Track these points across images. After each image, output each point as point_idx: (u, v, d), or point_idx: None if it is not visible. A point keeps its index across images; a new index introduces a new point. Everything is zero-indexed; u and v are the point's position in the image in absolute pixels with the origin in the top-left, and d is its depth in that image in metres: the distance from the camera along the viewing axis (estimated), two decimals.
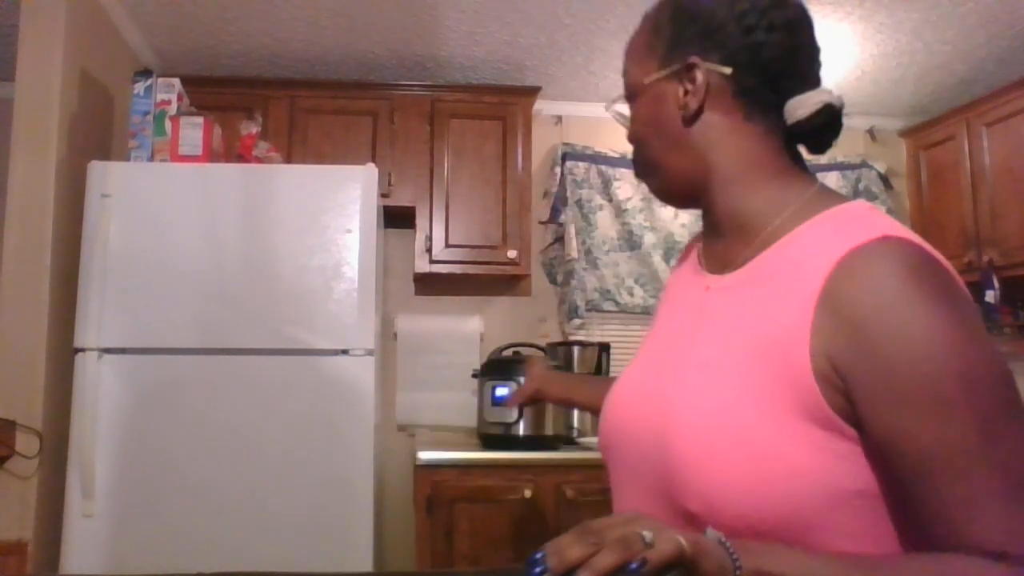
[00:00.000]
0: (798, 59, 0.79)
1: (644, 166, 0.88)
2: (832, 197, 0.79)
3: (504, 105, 2.96)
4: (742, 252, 0.81)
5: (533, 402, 1.43)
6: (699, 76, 0.79)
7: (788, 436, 0.69)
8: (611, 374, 3.01)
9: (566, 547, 0.59)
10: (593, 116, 3.33)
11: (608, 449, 0.92)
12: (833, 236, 0.72)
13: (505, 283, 3.14)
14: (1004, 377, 0.66)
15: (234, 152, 2.43)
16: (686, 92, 0.80)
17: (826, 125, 0.80)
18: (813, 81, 0.81)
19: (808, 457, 0.68)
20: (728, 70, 0.78)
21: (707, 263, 0.87)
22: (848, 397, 0.67)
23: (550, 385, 1.39)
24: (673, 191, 0.86)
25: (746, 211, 0.80)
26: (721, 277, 0.83)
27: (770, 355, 0.71)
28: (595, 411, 1.18)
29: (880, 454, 0.67)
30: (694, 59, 0.79)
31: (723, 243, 0.84)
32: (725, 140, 0.80)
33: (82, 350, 2.05)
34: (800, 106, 0.78)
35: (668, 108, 0.82)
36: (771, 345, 0.72)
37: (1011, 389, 0.66)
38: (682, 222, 3.23)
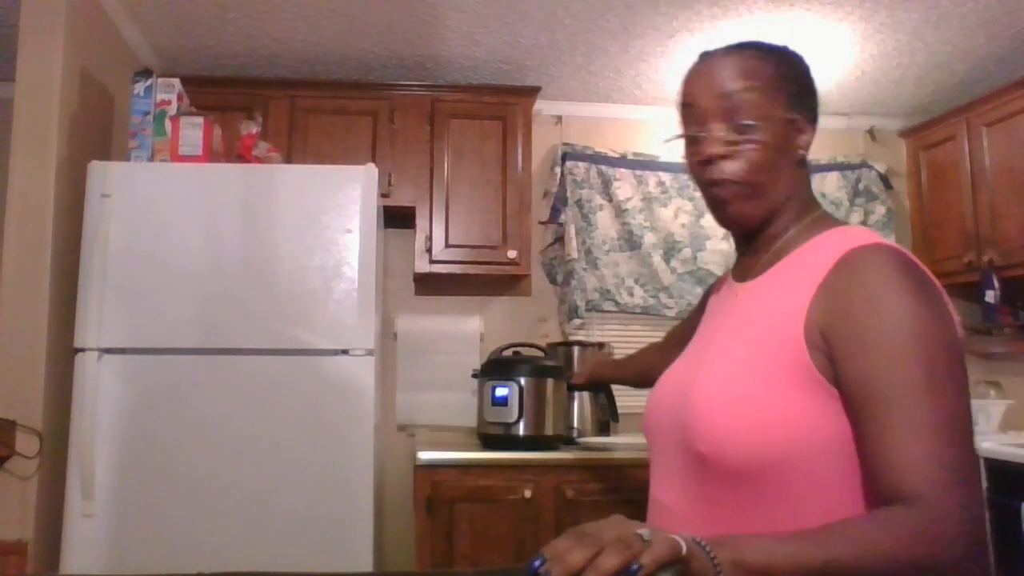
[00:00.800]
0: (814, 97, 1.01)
1: (751, 187, 0.96)
2: (833, 219, 0.99)
3: (504, 105, 2.96)
4: (765, 261, 0.99)
5: (591, 385, 1.82)
6: (808, 130, 0.98)
7: (783, 393, 0.84)
8: None
9: (566, 552, 0.63)
10: (593, 116, 3.33)
11: (648, 429, 1.06)
12: (837, 244, 0.89)
13: (505, 283, 3.14)
14: (956, 352, 0.80)
15: (234, 152, 2.43)
16: (801, 140, 0.98)
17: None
18: None
19: (798, 410, 0.83)
20: (812, 127, 0.99)
21: (737, 275, 1.05)
22: (830, 358, 0.83)
23: (603, 368, 1.75)
24: (761, 215, 0.98)
25: (785, 233, 0.98)
26: (746, 284, 1.01)
27: (775, 332, 0.88)
28: (646, 386, 1.36)
29: (848, 402, 0.82)
30: (799, 116, 0.97)
31: (755, 257, 1.01)
32: (798, 181, 0.99)
33: (82, 350, 2.05)
34: (809, 143, 0.99)
35: (787, 149, 0.97)
36: (777, 324, 0.88)
37: (960, 365, 0.80)
38: (682, 222, 3.23)
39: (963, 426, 0.77)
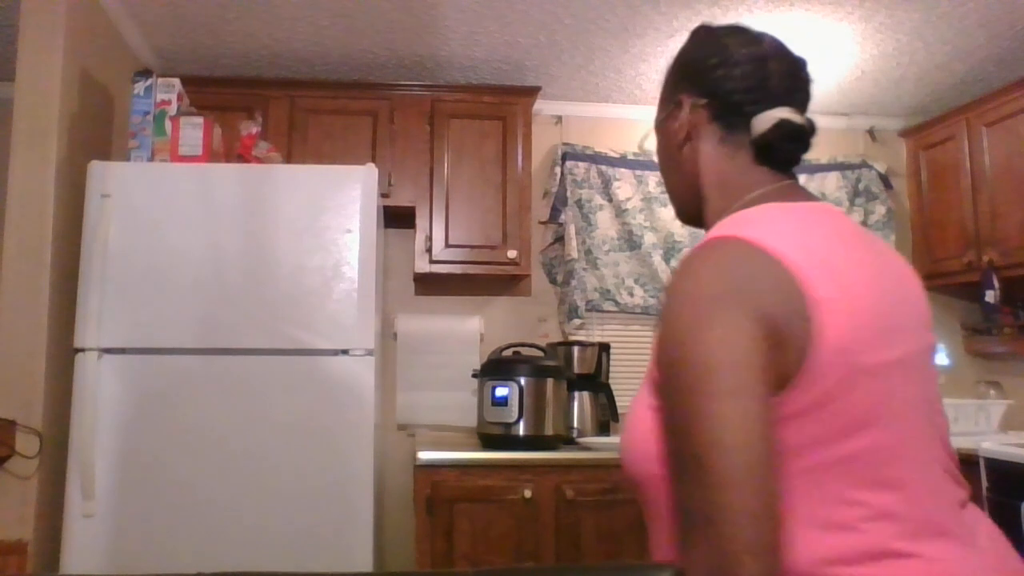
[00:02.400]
0: (768, 86, 0.91)
1: (668, 191, 1.03)
2: (755, 204, 0.88)
3: (504, 105, 2.96)
4: None
5: None
6: (685, 108, 0.94)
7: (642, 410, 0.82)
8: (611, 374, 3.01)
9: None
10: (593, 116, 3.33)
11: None
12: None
13: (505, 283, 3.14)
14: (717, 371, 0.75)
15: (234, 152, 2.43)
16: (677, 123, 0.95)
17: (790, 139, 0.90)
18: (786, 100, 0.91)
19: (650, 424, 0.79)
20: (703, 100, 0.93)
21: None
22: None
23: None
24: (683, 212, 1.00)
25: (715, 223, 0.90)
26: None
27: None
28: None
29: None
30: (681, 96, 0.95)
31: None
32: (706, 163, 0.94)
33: (82, 350, 2.05)
34: (760, 123, 0.90)
35: (669, 140, 0.97)
36: None
37: (720, 376, 0.74)
38: None
39: (695, 454, 0.71)
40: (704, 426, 0.71)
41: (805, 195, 0.91)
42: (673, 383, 0.75)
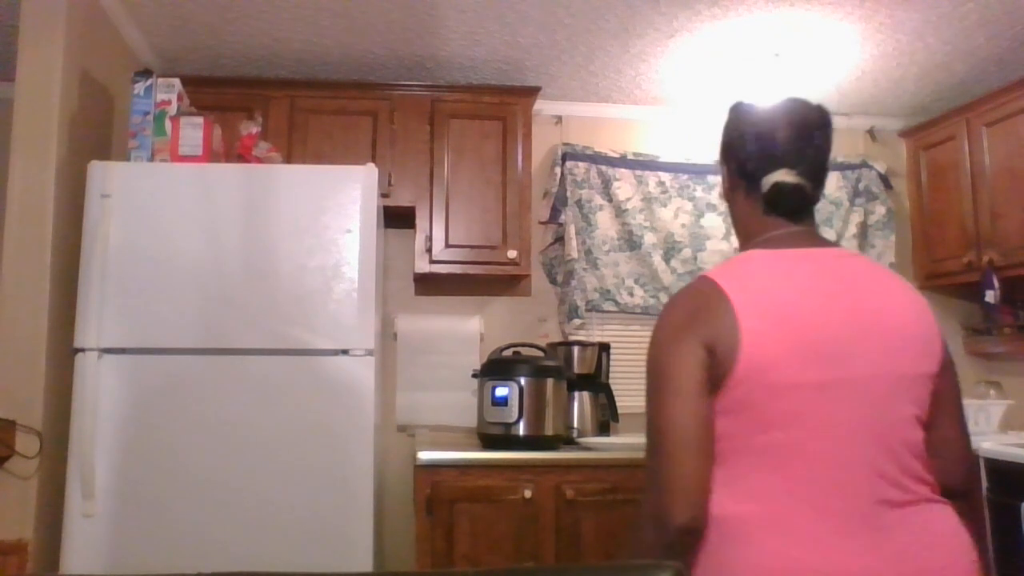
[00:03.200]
0: (774, 153, 1.17)
1: None
2: (758, 247, 1.17)
3: (504, 105, 2.96)
4: None
5: None
6: (724, 171, 1.28)
7: None
8: (611, 374, 3.01)
9: None
10: (593, 116, 3.33)
11: None
12: None
13: (505, 283, 3.14)
14: (663, 367, 1.10)
15: (234, 152, 2.43)
16: (723, 181, 1.29)
17: (786, 196, 1.17)
18: (791, 162, 1.17)
19: None
20: (732, 166, 1.25)
21: None
22: None
23: None
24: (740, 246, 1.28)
25: None
26: None
27: None
28: None
29: None
30: (722, 163, 1.28)
31: None
32: (737, 212, 1.26)
33: (82, 350, 2.05)
34: (763, 185, 1.18)
35: (723, 193, 1.31)
36: None
37: (662, 375, 1.09)
38: (682, 222, 3.23)
39: (653, 434, 1.07)
40: (659, 416, 1.06)
41: (804, 241, 1.16)
42: (647, 386, 1.11)
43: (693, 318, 1.07)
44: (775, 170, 1.16)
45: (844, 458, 1.02)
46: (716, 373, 1.05)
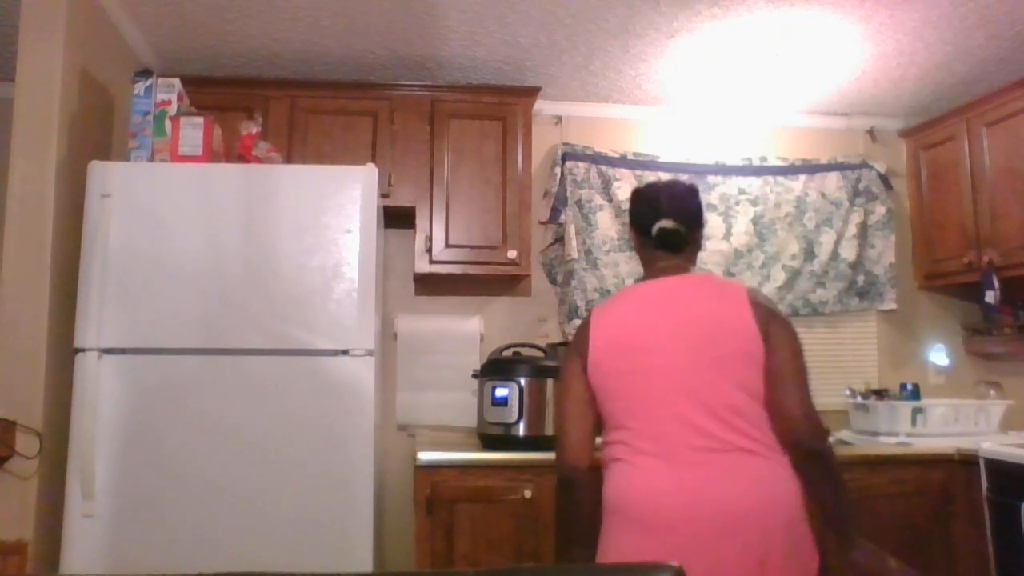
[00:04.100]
0: (659, 209, 1.68)
1: None
2: (637, 282, 1.72)
3: (504, 105, 2.96)
4: None
5: None
6: (631, 231, 1.78)
7: None
8: None
9: None
10: (593, 116, 3.33)
11: None
12: None
13: (505, 283, 3.14)
14: (564, 373, 1.69)
15: (234, 152, 2.43)
16: (630, 233, 1.80)
17: (668, 236, 1.66)
18: (672, 217, 1.66)
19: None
20: (634, 224, 1.75)
21: None
22: None
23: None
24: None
25: None
26: None
27: None
28: None
29: None
30: (631, 223, 1.77)
31: None
32: (640, 255, 1.77)
33: (82, 350, 2.05)
34: (652, 231, 1.67)
35: (632, 240, 1.81)
36: None
37: (564, 379, 1.69)
38: None
39: (558, 414, 1.75)
40: (557, 403, 1.93)
41: (672, 271, 1.65)
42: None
43: (575, 339, 1.69)
44: (660, 219, 1.65)
45: (660, 417, 1.51)
46: (584, 369, 1.62)
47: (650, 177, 3.26)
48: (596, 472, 1.60)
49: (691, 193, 1.70)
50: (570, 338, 3.15)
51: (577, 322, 3.11)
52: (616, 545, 1.51)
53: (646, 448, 1.50)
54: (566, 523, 1.61)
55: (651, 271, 1.68)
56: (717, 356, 1.49)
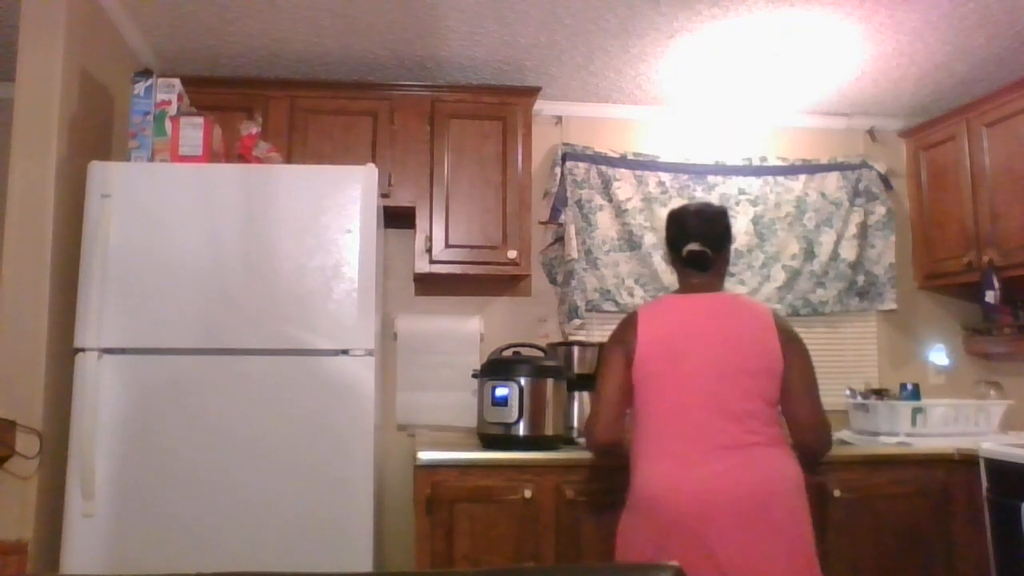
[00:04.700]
0: (688, 232, 1.90)
1: None
2: (671, 294, 1.95)
3: (504, 105, 2.96)
4: None
5: None
6: (666, 250, 2.03)
7: None
8: None
9: None
10: (593, 116, 3.33)
11: None
12: None
13: (505, 283, 3.14)
14: (606, 356, 1.94)
15: (234, 152, 2.43)
16: (664, 252, 2.29)
17: (696, 258, 1.88)
18: (700, 239, 1.88)
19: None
20: (668, 242, 1.98)
21: None
22: None
23: None
24: None
25: None
26: None
27: None
28: None
29: None
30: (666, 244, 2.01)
31: None
32: (675, 269, 2.00)
33: (82, 350, 2.05)
34: (683, 252, 1.90)
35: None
36: None
37: (605, 362, 1.93)
38: None
39: (596, 389, 1.93)
40: (600, 382, 1.92)
41: (702, 288, 1.89)
42: (597, 366, 2.09)
43: (622, 332, 1.89)
44: (689, 243, 1.88)
45: (689, 418, 1.75)
46: (629, 361, 1.84)
47: (650, 177, 3.27)
48: (621, 444, 1.91)
49: (720, 215, 1.93)
50: (570, 338, 3.16)
51: (577, 322, 3.11)
52: (639, 536, 1.76)
53: (672, 448, 1.76)
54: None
55: (685, 286, 1.92)
56: (743, 369, 1.76)
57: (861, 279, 3.33)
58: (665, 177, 3.27)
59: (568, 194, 3.16)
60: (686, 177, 3.29)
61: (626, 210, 3.20)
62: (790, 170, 3.36)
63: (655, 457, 1.77)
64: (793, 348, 1.80)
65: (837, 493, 2.55)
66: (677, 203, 3.27)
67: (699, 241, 1.86)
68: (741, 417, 1.73)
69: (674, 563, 0.62)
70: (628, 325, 1.88)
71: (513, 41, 2.74)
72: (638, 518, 1.78)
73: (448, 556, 2.37)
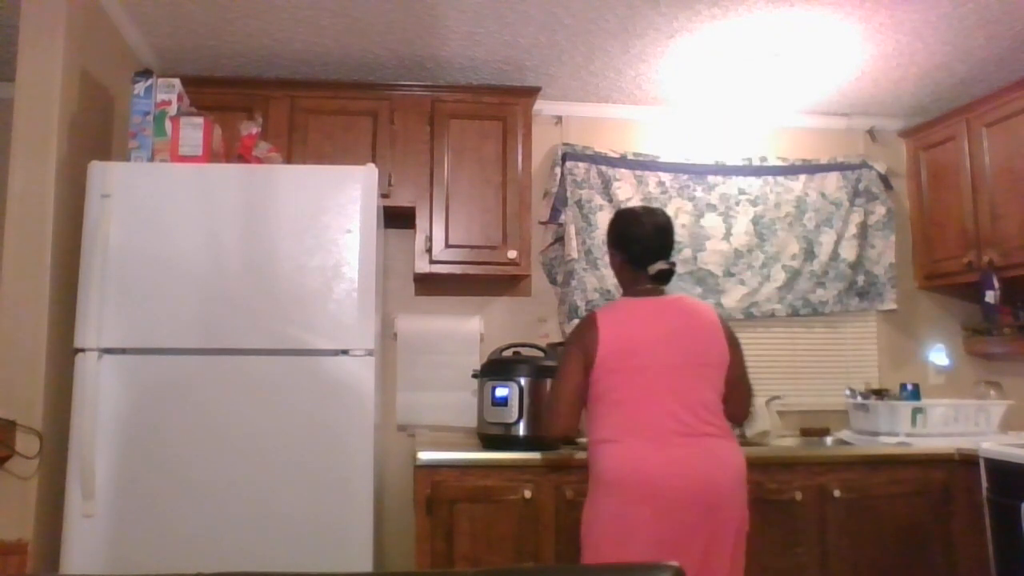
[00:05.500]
0: (653, 251, 2.07)
1: None
2: (626, 296, 2.10)
3: (504, 105, 2.96)
4: None
5: None
6: (614, 254, 2.15)
7: None
8: None
9: None
10: (593, 116, 3.33)
11: None
12: None
13: (505, 283, 3.14)
14: (569, 348, 2.04)
15: (234, 152, 2.43)
16: (611, 259, 2.20)
17: (666, 273, 2.06)
18: (664, 255, 2.08)
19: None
20: (616, 252, 2.14)
21: None
22: None
23: None
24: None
25: None
26: None
27: None
28: None
29: None
30: (612, 249, 2.16)
31: None
32: (620, 277, 2.15)
33: (82, 350, 2.05)
34: (650, 270, 2.05)
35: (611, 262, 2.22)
36: None
37: (567, 352, 2.04)
38: (682, 222, 3.23)
39: (554, 386, 2.04)
40: (557, 379, 2.02)
41: (654, 292, 2.05)
42: (558, 365, 2.05)
43: (582, 335, 2.00)
44: (656, 262, 2.04)
45: (650, 408, 1.91)
46: (588, 362, 1.96)
47: (650, 177, 3.27)
48: (578, 431, 2.08)
49: (670, 225, 2.11)
50: None
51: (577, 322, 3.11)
52: (610, 512, 1.88)
53: (637, 432, 1.90)
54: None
55: (634, 290, 2.07)
56: (700, 364, 1.95)
57: (861, 279, 3.33)
58: (665, 177, 3.27)
59: (568, 194, 3.16)
60: (686, 177, 3.29)
61: None
62: (790, 170, 3.36)
63: (623, 439, 1.91)
64: (734, 343, 2.04)
65: (837, 493, 2.55)
66: (677, 203, 3.29)
67: (665, 259, 2.05)
68: (697, 409, 1.91)
69: (674, 563, 0.62)
70: (587, 328, 1.98)
71: (513, 41, 2.74)
72: (619, 498, 1.87)
73: (448, 556, 2.37)
